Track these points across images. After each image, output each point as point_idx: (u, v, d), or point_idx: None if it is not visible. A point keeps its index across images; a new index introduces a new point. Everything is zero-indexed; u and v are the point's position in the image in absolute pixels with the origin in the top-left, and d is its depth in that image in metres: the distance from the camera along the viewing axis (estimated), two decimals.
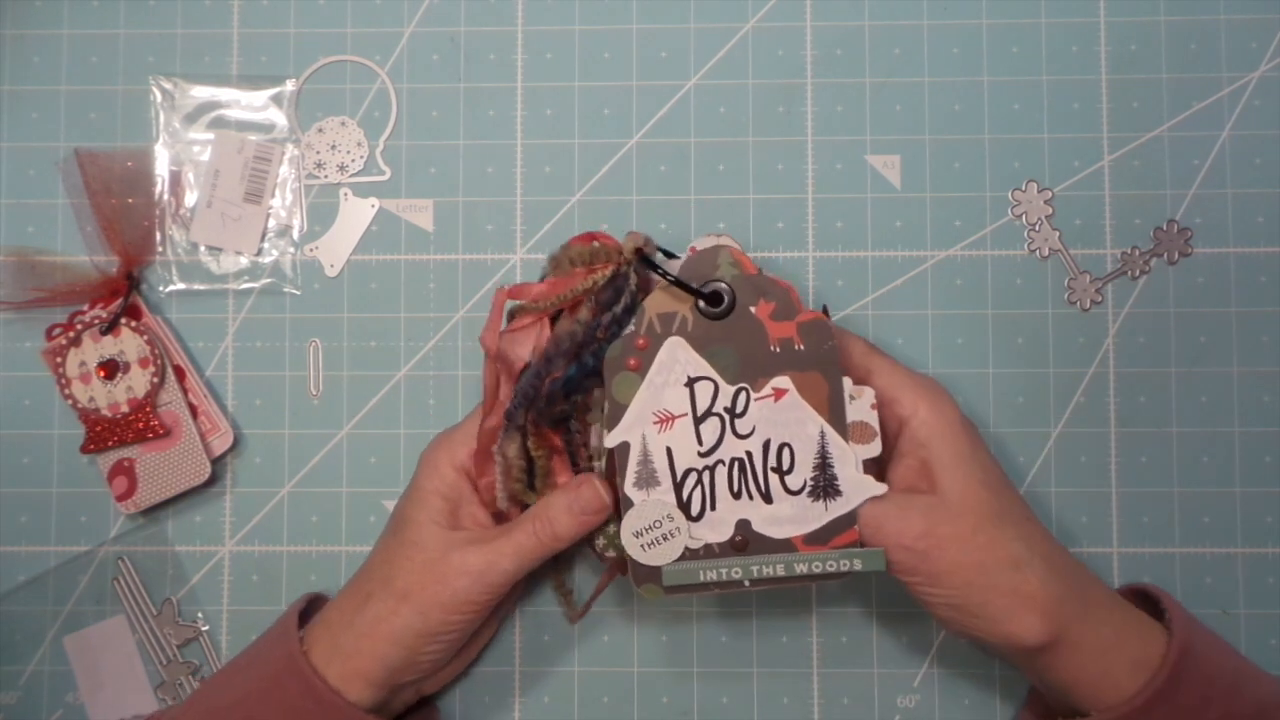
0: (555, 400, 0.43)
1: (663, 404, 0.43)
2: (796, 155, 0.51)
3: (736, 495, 0.43)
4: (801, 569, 0.42)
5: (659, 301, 0.43)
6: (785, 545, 0.43)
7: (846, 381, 0.43)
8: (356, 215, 0.51)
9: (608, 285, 0.43)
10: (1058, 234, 0.50)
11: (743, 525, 0.43)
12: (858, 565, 0.42)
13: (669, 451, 0.43)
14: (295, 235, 0.51)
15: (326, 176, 0.51)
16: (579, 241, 0.45)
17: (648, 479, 0.43)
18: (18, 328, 0.51)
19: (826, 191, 0.51)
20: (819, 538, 0.43)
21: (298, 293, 0.51)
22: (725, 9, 0.51)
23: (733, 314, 0.43)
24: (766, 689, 0.49)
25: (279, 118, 0.51)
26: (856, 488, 0.43)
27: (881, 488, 0.43)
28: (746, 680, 0.49)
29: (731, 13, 0.51)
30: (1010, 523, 0.42)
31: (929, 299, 0.50)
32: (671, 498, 0.43)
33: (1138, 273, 0.50)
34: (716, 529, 0.43)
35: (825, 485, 0.43)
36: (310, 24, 0.52)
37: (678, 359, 0.43)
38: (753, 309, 0.43)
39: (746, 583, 0.43)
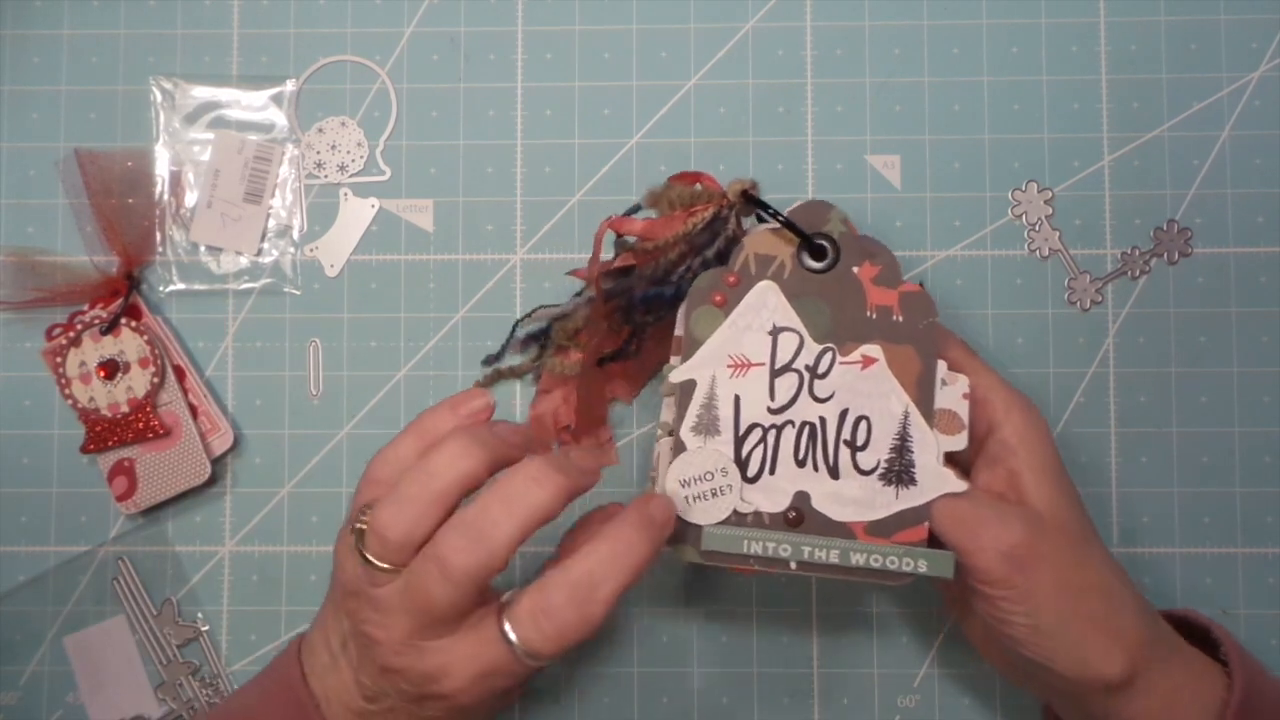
0: (632, 308, 0.42)
1: (741, 348, 0.40)
2: (796, 155, 0.51)
3: (801, 463, 0.39)
4: (858, 560, 0.39)
5: (760, 242, 0.41)
6: (843, 530, 0.39)
7: (941, 364, 0.40)
8: (356, 215, 0.51)
9: (705, 228, 0.41)
10: (1058, 234, 0.50)
11: (801, 498, 0.39)
12: (923, 567, 0.39)
13: (737, 400, 0.40)
14: (295, 235, 0.51)
15: (326, 176, 0.51)
16: (680, 181, 0.43)
17: (708, 426, 0.40)
18: (18, 328, 0.51)
19: (826, 191, 0.51)
20: (883, 528, 0.39)
21: (298, 293, 0.51)
22: (725, 9, 0.51)
23: (833, 270, 0.41)
24: (766, 689, 0.49)
25: (279, 118, 0.51)
26: (934, 480, 0.39)
27: (962, 484, 0.40)
28: (746, 680, 0.49)
29: (731, 13, 0.51)
30: (1098, 549, 0.40)
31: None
32: (730, 450, 0.39)
33: (1138, 273, 0.50)
34: (772, 496, 0.39)
35: (900, 470, 0.39)
36: (310, 24, 0.52)
37: (767, 303, 0.40)
38: (855, 269, 0.41)
39: (793, 564, 0.39)
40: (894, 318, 0.40)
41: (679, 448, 0.40)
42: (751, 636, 0.50)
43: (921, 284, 0.42)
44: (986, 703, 0.49)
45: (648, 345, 0.45)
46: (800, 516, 0.39)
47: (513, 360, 0.50)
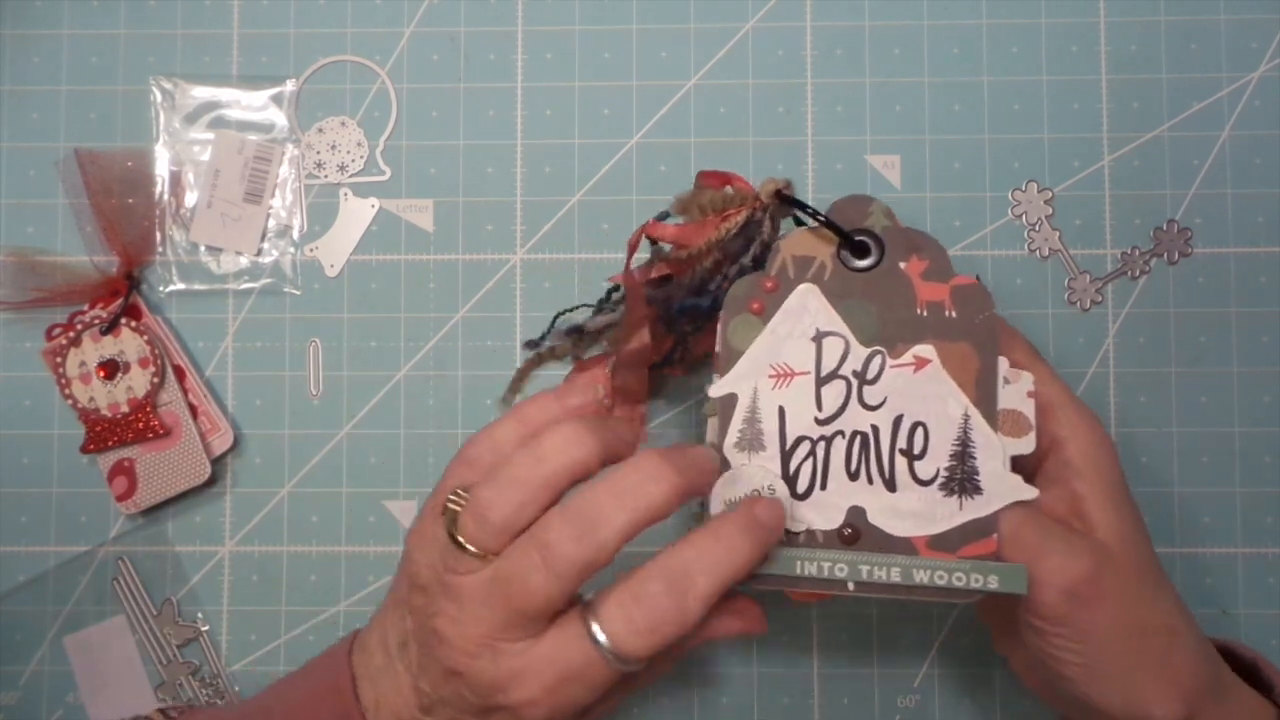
0: (673, 319, 0.41)
1: (783, 357, 0.37)
2: (796, 155, 0.51)
3: (854, 476, 0.37)
4: (922, 577, 0.36)
5: (797, 243, 0.38)
6: (904, 545, 0.36)
7: (1002, 361, 0.37)
8: (356, 215, 0.51)
9: (739, 234, 0.39)
10: (1058, 234, 0.50)
11: (856, 513, 0.37)
12: (994, 584, 0.35)
13: (781, 412, 0.37)
14: (295, 235, 0.51)
15: (326, 176, 0.51)
16: (710, 182, 0.40)
17: (752, 441, 0.37)
18: (18, 328, 0.51)
19: (826, 191, 0.51)
20: (947, 542, 0.36)
21: (298, 293, 0.51)
22: (725, 9, 0.51)
23: (878, 268, 0.38)
24: (766, 689, 0.49)
25: (279, 118, 0.51)
26: (1001, 487, 0.36)
27: (1032, 491, 0.36)
28: (746, 680, 0.49)
29: (731, 13, 0.51)
30: (1164, 583, 0.38)
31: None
32: (777, 467, 0.37)
33: (1138, 273, 0.50)
34: (824, 513, 0.37)
35: (963, 479, 0.36)
36: (310, 24, 0.52)
37: (808, 308, 0.38)
38: (902, 264, 0.38)
39: (851, 585, 0.36)
40: (947, 313, 0.37)
41: (724, 466, 0.37)
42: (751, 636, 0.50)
43: (978, 276, 0.39)
44: (986, 703, 0.49)
45: (696, 347, 0.44)
46: (856, 533, 0.37)
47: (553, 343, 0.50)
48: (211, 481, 0.50)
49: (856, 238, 0.38)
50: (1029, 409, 0.37)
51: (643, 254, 0.44)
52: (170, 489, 0.49)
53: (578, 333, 0.49)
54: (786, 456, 0.37)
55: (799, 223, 0.41)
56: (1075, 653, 0.36)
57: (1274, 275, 0.50)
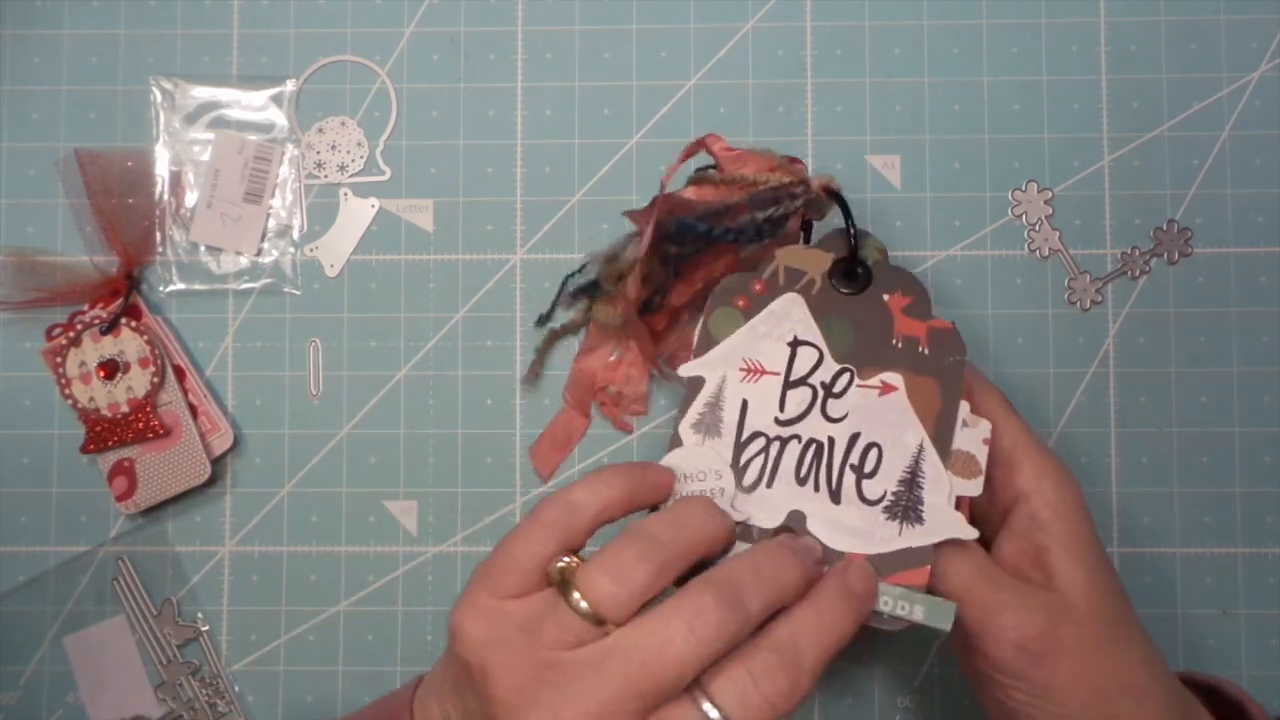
0: (667, 238, 0.41)
1: (757, 354, 0.39)
2: (796, 155, 0.51)
3: (802, 481, 0.37)
4: None
5: (792, 256, 0.40)
6: (838, 560, 0.36)
7: (964, 405, 0.38)
8: (356, 215, 0.51)
9: (774, 191, 0.40)
10: (1058, 234, 0.50)
11: (796, 518, 0.37)
12: (919, 614, 0.35)
13: (744, 405, 0.38)
14: (295, 235, 0.51)
15: (326, 176, 0.51)
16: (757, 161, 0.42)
17: (710, 426, 0.38)
18: (18, 328, 0.51)
19: None
20: (880, 565, 0.36)
21: (298, 293, 0.51)
22: (725, 9, 0.51)
23: (863, 294, 0.40)
24: None
25: (279, 118, 0.51)
26: (942, 522, 0.36)
27: (972, 532, 0.36)
28: None
29: (731, 13, 0.51)
30: (1135, 643, 0.37)
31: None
32: (729, 455, 0.38)
33: (1138, 273, 0.50)
34: (766, 511, 0.37)
35: (908, 506, 0.37)
36: (310, 24, 0.52)
37: (790, 315, 0.39)
38: (886, 297, 0.40)
39: None
40: (920, 349, 0.39)
41: (675, 443, 0.38)
42: None
43: (954, 324, 0.40)
44: None
45: (676, 296, 0.45)
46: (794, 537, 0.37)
47: (564, 319, 0.50)
48: (211, 481, 0.50)
49: (856, 261, 0.40)
50: (982, 455, 0.38)
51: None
52: (170, 489, 0.49)
53: (585, 293, 0.48)
54: (740, 448, 0.38)
55: (807, 241, 0.42)
56: (1038, 709, 0.36)
57: (1274, 275, 0.50)
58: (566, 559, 0.34)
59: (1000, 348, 0.50)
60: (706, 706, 0.32)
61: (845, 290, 0.40)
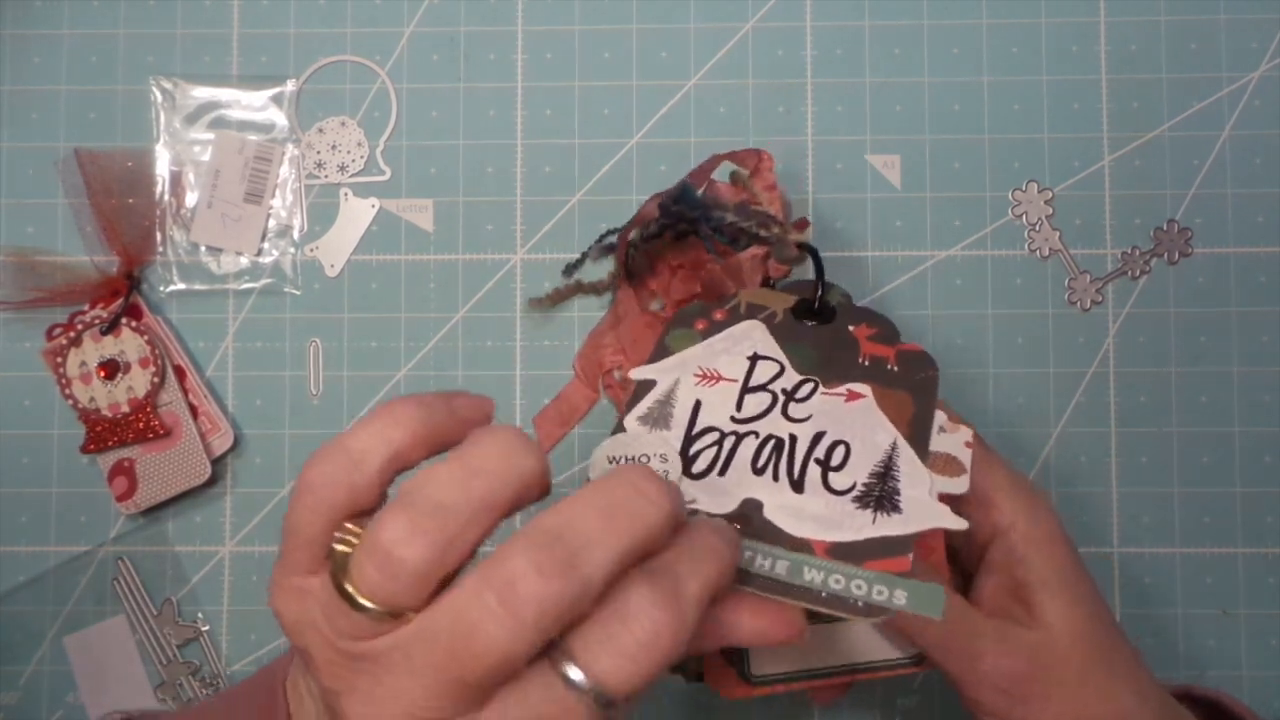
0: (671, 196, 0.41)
1: (714, 364, 0.36)
2: (796, 155, 0.51)
3: (759, 472, 0.33)
4: (813, 578, 0.30)
5: (757, 295, 0.39)
6: (798, 545, 0.31)
7: (940, 414, 0.35)
8: (356, 215, 0.51)
9: (757, 213, 0.40)
10: (1058, 234, 0.50)
11: (751, 505, 0.32)
12: (900, 599, 0.30)
13: (697, 404, 0.35)
14: (295, 235, 0.51)
15: (327, 176, 0.51)
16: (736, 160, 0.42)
17: (659, 419, 0.34)
18: (18, 328, 0.51)
19: (826, 191, 0.51)
20: (850, 552, 0.31)
21: (298, 293, 0.51)
22: (725, 9, 0.51)
23: (828, 326, 0.38)
24: None
25: (279, 118, 0.51)
26: (923, 513, 0.32)
27: (961, 522, 0.32)
28: None
29: (731, 13, 0.51)
30: (1120, 668, 0.36)
31: (929, 299, 0.50)
32: (678, 444, 0.34)
33: (1138, 273, 0.50)
34: (715, 497, 0.32)
35: (881, 496, 0.33)
36: (310, 24, 0.52)
37: (751, 337, 0.37)
38: (851, 328, 0.38)
39: None
40: (889, 367, 0.36)
41: (618, 431, 0.34)
42: None
43: (923, 348, 0.38)
44: None
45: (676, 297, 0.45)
46: (746, 524, 0.32)
47: (594, 277, 0.49)
48: (211, 481, 0.50)
49: (820, 305, 0.39)
50: (965, 456, 0.34)
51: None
52: (170, 489, 0.49)
53: (614, 250, 0.46)
54: (690, 440, 0.34)
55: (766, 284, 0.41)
56: None
57: (1274, 275, 0.50)
58: (346, 531, 0.27)
59: (1000, 348, 0.50)
60: (568, 668, 0.26)
61: (809, 323, 0.38)
